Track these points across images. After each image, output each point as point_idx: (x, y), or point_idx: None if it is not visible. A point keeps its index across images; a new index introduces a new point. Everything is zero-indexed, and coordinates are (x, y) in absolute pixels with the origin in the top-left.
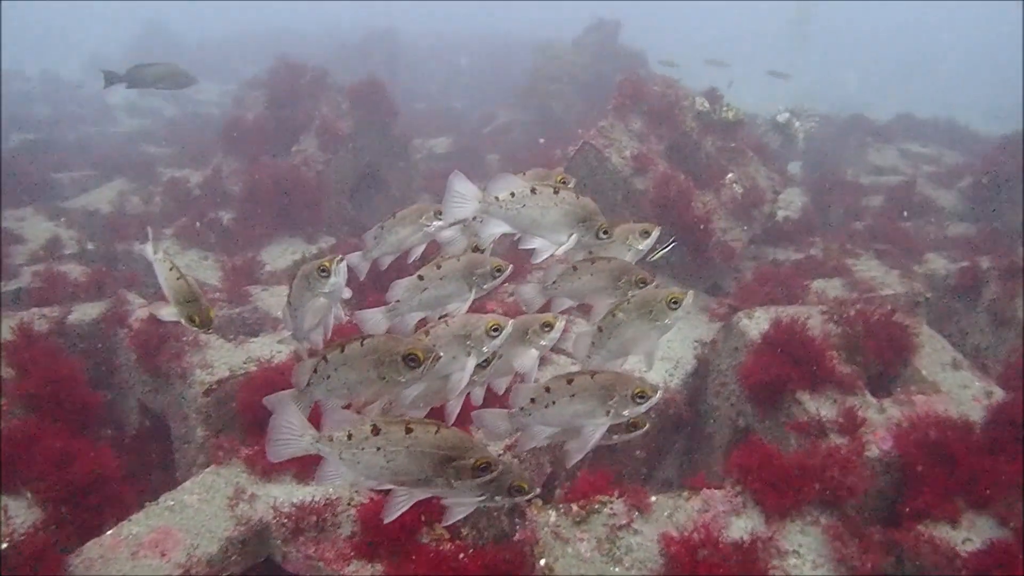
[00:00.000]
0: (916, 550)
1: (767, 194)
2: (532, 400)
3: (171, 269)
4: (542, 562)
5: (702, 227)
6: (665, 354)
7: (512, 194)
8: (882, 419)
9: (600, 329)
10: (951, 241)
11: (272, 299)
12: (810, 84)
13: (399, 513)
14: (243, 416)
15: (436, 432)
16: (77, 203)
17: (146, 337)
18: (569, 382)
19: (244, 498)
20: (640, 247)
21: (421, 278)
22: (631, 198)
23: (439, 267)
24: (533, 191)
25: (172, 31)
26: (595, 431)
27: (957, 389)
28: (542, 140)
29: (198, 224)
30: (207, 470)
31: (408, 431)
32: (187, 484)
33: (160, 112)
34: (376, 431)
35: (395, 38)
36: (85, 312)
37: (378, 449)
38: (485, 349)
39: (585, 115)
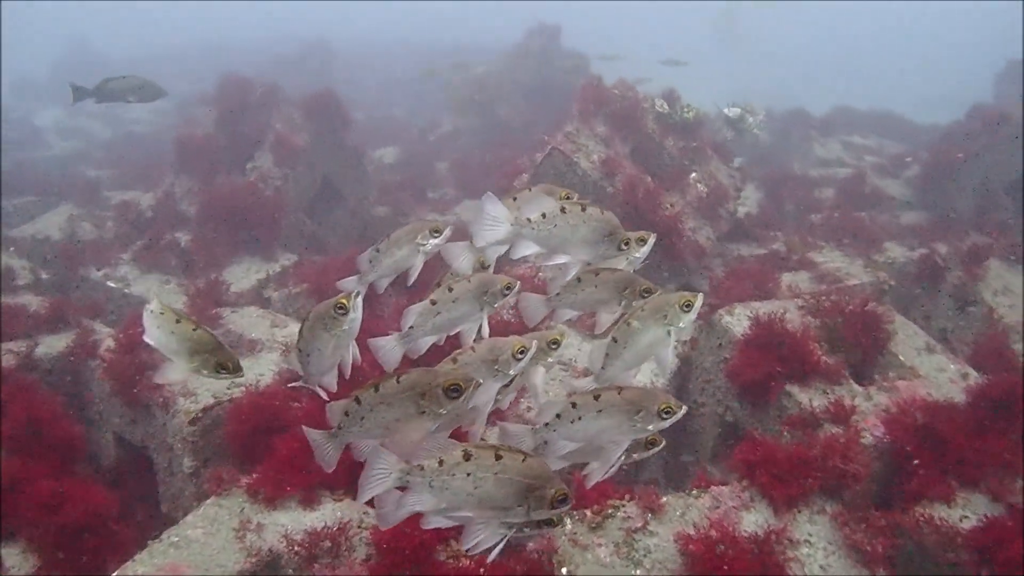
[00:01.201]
0: (917, 531)
1: (730, 192)
2: (558, 416)
3: (178, 321)
4: (564, 571)
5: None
6: None
7: (543, 214)
8: (870, 406)
9: (615, 340)
10: (906, 229)
11: (243, 320)
12: (747, 81)
13: (476, 541)
14: (233, 443)
15: (523, 460)
16: (25, 231)
17: (121, 368)
18: (596, 398)
19: (251, 528)
20: (637, 255)
21: (434, 302)
22: (601, 202)
23: (451, 290)
24: (563, 210)
25: (96, 49)
26: (618, 447)
27: (934, 372)
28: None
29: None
30: (208, 502)
31: (498, 457)
32: (189, 518)
33: (92, 133)
34: (467, 457)
35: (328, 49)
36: (51, 345)
37: (468, 475)
38: (511, 372)
39: (532, 120)
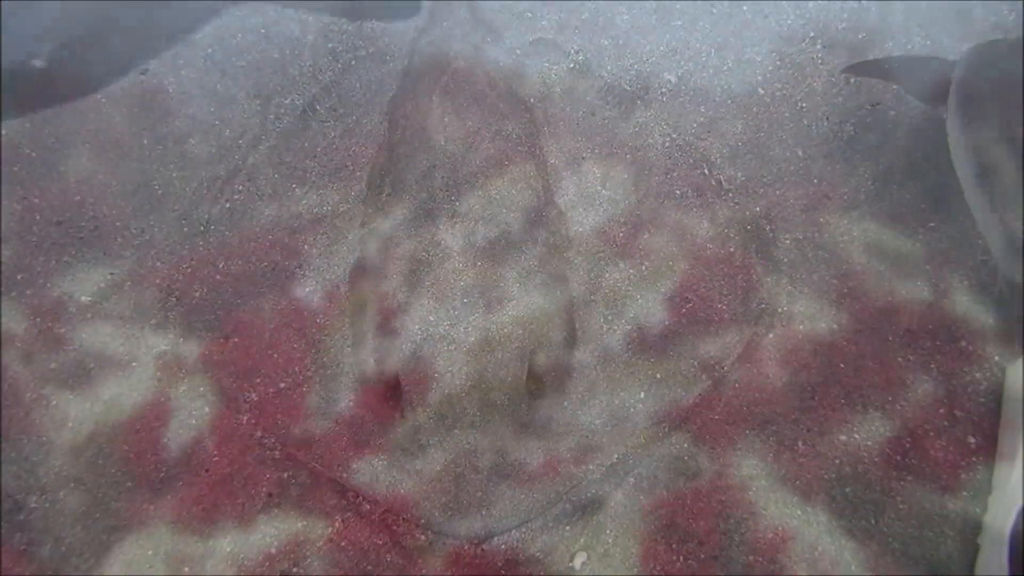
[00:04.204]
0: (832, 460)
1: None
2: None
3: None
4: None
5: None
6: None
7: None
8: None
9: None
10: (734, 187)
11: (95, 337)
12: None
13: None
14: (144, 464)
15: None
16: None
17: None
18: None
19: (188, 563)
20: None
21: None
22: None
23: None
24: None
25: None
26: None
27: (802, 311)
28: None
29: None
30: (124, 543)
31: None
32: (106, 567)
33: None
34: None
35: None
36: None
37: None
38: None
39: None
